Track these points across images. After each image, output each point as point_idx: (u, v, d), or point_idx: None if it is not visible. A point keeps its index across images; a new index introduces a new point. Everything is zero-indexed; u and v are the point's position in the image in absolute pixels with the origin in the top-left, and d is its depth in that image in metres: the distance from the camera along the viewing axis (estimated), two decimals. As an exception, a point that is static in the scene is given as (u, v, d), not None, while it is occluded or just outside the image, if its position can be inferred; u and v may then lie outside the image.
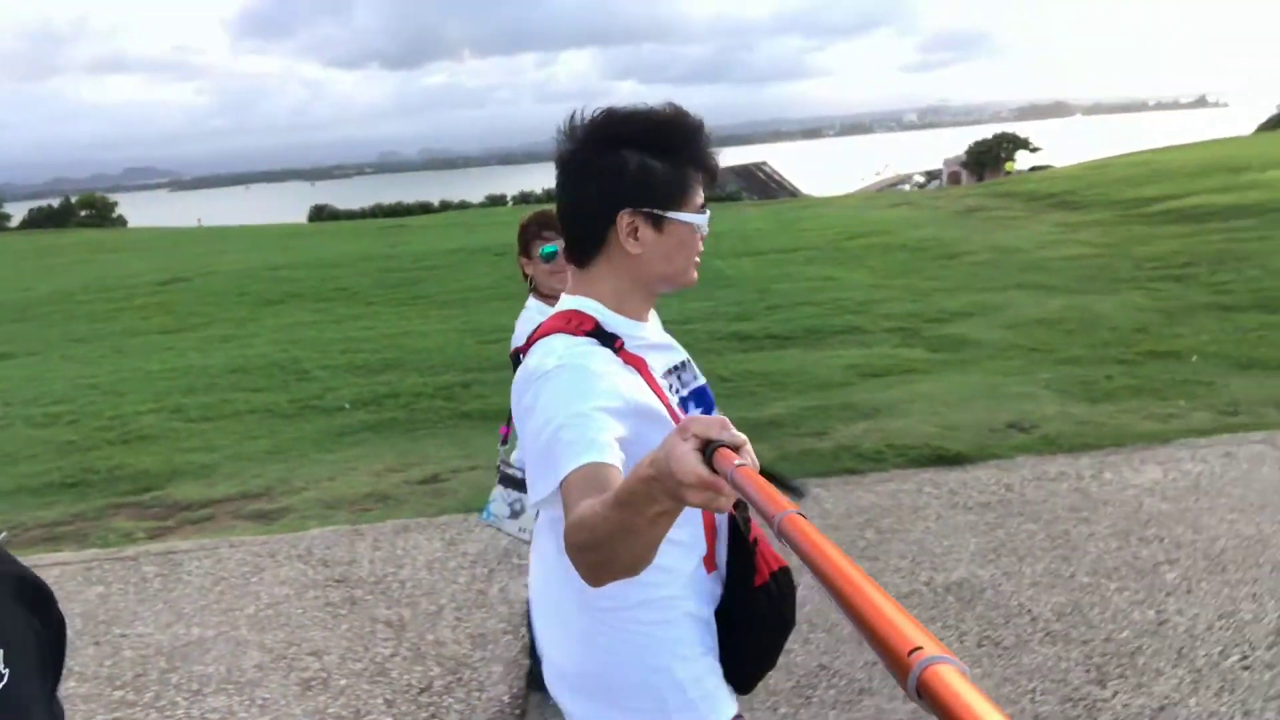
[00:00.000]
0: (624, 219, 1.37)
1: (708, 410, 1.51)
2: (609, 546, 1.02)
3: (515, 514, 2.88)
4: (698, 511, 1.39)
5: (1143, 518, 4.08)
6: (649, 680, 1.42)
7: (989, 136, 61.93)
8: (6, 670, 0.83)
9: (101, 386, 8.49)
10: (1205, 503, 4.18)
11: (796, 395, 6.56)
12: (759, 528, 1.45)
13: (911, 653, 0.49)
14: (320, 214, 58.97)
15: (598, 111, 1.39)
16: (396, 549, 4.31)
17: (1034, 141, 60.94)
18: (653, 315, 1.54)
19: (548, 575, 1.51)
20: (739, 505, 1.38)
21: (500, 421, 3.02)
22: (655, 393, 1.38)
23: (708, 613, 1.47)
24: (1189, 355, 6.89)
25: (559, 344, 1.34)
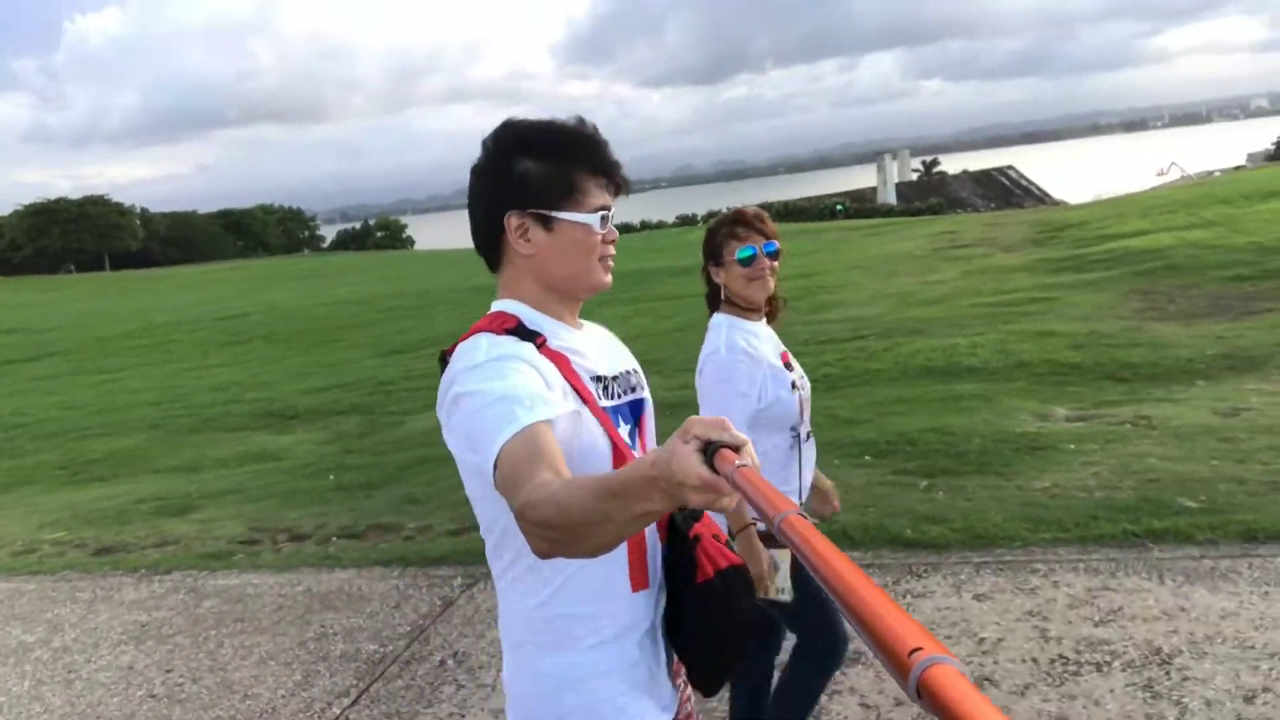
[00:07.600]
0: (511, 221, 1.42)
1: (635, 423, 1.51)
2: (579, 530, 1.03)
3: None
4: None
5: None
6: (566, 709, 1.41)
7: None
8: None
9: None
10: None
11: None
12: (707, 525, 1.45)
13: (911, 653, 0.48)
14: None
15: (500, 123, 1.45)
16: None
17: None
18: (598, 328, 1.58)
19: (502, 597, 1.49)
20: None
21: None
22: (576, 387, 1.39)
23: (634, 634, 1.43)
24: None
25: (484, 342, 1.37)
